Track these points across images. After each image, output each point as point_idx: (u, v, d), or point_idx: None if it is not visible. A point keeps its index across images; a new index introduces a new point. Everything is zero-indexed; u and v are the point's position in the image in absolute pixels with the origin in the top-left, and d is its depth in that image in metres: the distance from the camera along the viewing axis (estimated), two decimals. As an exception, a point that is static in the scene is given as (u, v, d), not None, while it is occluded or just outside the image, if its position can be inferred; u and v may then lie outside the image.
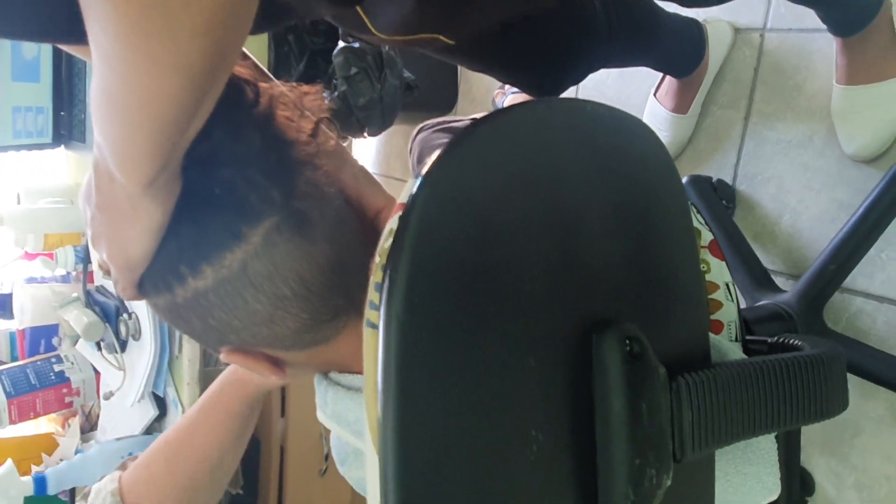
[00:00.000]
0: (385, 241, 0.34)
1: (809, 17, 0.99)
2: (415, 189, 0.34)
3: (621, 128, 0.48)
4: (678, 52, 1.10)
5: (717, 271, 0.62)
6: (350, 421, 0.50)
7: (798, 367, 0.48)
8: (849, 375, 1.04)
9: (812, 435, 1.09)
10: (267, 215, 0.42)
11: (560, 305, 0.40)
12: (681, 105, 1.19)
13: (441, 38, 0.63)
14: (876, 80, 0.97)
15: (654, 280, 0.48)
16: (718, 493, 0.54)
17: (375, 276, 0.33)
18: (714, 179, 1.18)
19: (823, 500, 1.09)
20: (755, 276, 1.06)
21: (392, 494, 0.31)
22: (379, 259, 0.34)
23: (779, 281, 1.10)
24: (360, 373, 0.51)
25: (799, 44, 1.10)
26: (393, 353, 0.31)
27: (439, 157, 0.35)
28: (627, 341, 0.40)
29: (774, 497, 0.57)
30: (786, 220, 1.12)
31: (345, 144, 1.74)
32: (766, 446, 0.56)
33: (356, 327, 0.49)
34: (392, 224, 0.34)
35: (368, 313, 0.33)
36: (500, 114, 0.39)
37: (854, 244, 0.97)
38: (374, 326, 0.32)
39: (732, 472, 0.54)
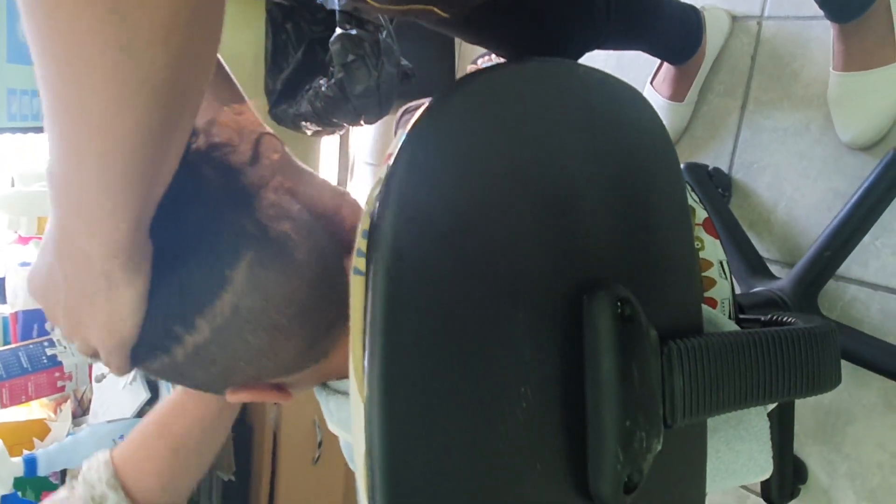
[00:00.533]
0: (374, 190, 0.33)
1: (807, 4, 0.99)
2: (403, 137, 0.33)
3: (615, 93, 0.48)
4: (676, 37, 1.10)
5: (711, 249, 0.62)
6: None
7: (791, 340, 0.48)
8: (843, 363, 1.04)
9: (805, 423, 1.09)
10: (245, 251, 0.41)
11: (550, 264, 0.40)
12: (677, 93, 1.19)
13: (434, 10, 0.63)
14: (873, 66, 0.97)
15: (647, 249, 0.48)
16: (710, 471, 0.53)
17: (363, 223, 0.33)
18: (710, 167, 1.18)
19: (816, 489, 1.09)
20: (750, 263, 1.06)
21: (378, 441, 0.30)
22: (367, 207, 0.33)
23: (774, 269, 1.10)
24: None
25: (796, 31, 1.10)
26: (379, 297, 0.31)
27: (429, 108, 0.35)
28: (619, 303, 0.40)
29: (766, 476, 0.56)
30: (781, 208, 1.12)
31: (341, 133, 1.74)
32: (758, 424, 0.55)
33: (348, 338, 0.49)
34: (381, 172, 0.33)
35: (356, 260, 0.33)
36: (490, 69, 0.39)
37: (849, 231, 0.97)
38: (361, 273, 0.32)
39: (724, 449, 0.54)
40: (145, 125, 0.29)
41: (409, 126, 0.34)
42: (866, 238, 0.99)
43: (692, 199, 0.63)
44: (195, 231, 0.40)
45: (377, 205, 0.32)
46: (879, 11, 0.95)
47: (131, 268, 0.36)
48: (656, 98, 1.22)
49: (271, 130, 0.48)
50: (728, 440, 0.54)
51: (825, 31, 1.05)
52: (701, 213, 0.63)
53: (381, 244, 0.31)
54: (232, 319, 0.41)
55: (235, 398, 0.47)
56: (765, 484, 1.05)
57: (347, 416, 0.50)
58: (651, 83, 1.24)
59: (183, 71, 0.29)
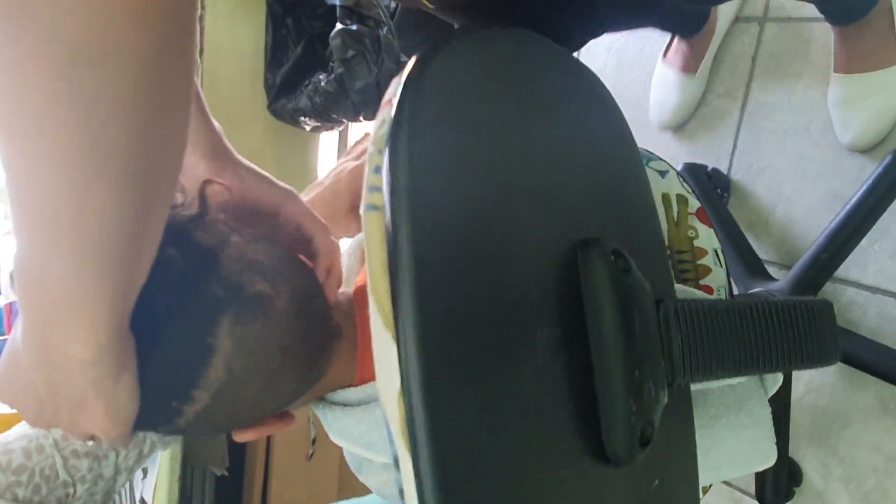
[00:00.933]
0: (378, 130, 0.33)
1: (808, 6, 0.99)
2: (405, 76, 0.34)
3: (577, 65, 0.49)
4: (684, 11, 1.07)
5: (706, 238, 0.62)
6: (356, 436, 0.50)
7: (788, 309, 0.48)
8: (839, 365, 1.04)
9: (801, 425, 1.09)
10: (221, 315, 0.40)
11: (544, 223, 0.40)
12: (690, 64, 1.16)
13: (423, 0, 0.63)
14: (873, 68, 0.96)
15: (622, 222, 0.48)
16: (715, 463, 0.53)
17: (372, 162, 0.33)
18: (709, 168, 1.17)
19: (811, 492, 1.09)
20: (748, 264, 1.05)
21: (415, 363, 0.29)
22: (374, 147, 0.33)
23: (772, 271, 1.09)
24: (351, 385, 0.50)
25: (797, 32, 1.10)
26: (405, 241, 0.30)
27: (423, 57, 0.35)
28: (613, 256, 0.40)
29: (771, 462, 0.56)
30: (780, 209, 1.12)
31: (340, 129, 1.73)
32: (759, 410, 0.55)
33: (339, 350, 0.49)
34: (383, 115, 0.33)
35: (369, 198, 0.32)
36: (479, 30, 0.39)
37: (847, 233, 0.97)
38: (377, 208, 0.31)
39: (728, 437, 0.54)
40: (117, 206, 0.27)
41: (406, 71, 0.34)
42: (864, 241, 0.99)
43: (685, 189, 0.63)
44: (168, 307, 0.39)
45: (388, 145, 0.32)
46: (880, 14, 0.94)
47: (118, 366, 0.35)
48: (668, 72, 1.19)
49: (213, 157, 0.46)
50: (731, 428, 0.54)
51: (826, 33, 1.04)
52: (694, 203, 0.63)
53: (399, 185, 0.31)
54: (227, 382, 0.41)
55: (242, 438, 0.47)
56: (759, 485, 1.05)
57: (345, 427, 0.50)
58: (663, 56, 1.20)
59: (149, 152, 0.26)
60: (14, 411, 1.23)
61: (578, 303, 0.39)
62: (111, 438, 0.40)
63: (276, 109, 1.59)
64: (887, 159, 0.96)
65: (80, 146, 0.24)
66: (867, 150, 1.02)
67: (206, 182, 0.45)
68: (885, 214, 0.97)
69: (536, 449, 0.36)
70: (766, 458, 0.55)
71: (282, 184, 0.50)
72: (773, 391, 0.57)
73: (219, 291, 0.40)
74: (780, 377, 0.57)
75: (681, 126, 1.23)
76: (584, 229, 0.42)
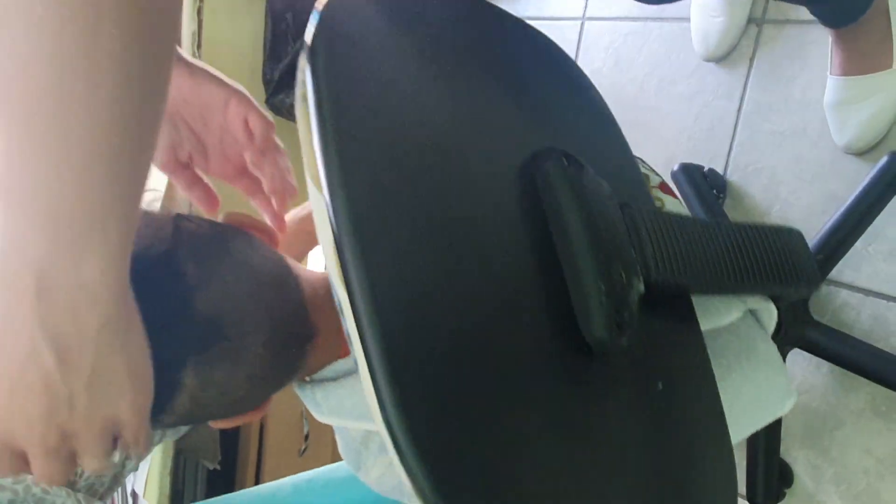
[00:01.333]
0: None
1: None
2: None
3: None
4: None
5: (673, 206, 0.63)
6: (349, 408, 0.49)
7: (757, 230, 0.48)
8: (832, 367, 1.04)
9: (792, 427, 1.09)
10: (189, 359, 0.41)
11: (492, 146, 0.40)
12: None
13: None
14: (869, 70, 0.96)
15: (581, 139, 0.48)
16: (740, 415, 0.53)
17: (300, 69, 0.33)
18: (706, 168, 1.17)
19: (802, 493, 1.09)
20: (743, 265, 1.06)
21: (344, 221, 0.30)
22: (302, 60, 0.34)
23: (766, 272, 1.10)
24: (337, 358, 0.50)
25: (795, 34, 1.10)
26: (326, 100, 0.31)
27: None
28: (564, 159, 0.40)
29: (793, 400, 0.56)
30: (776, 210, 1.12)
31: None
32: (766, 349, 0.56)
33: (317, 342, 0.49)
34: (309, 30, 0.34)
35: (299, 93, 0.33)
36: None
37: (842, 235, 0.97)
38: (305, 99, 0.32)
39: (746, 384, 0.54)
40: (125, 52, 0.27)
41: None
42: (859, 243, 0.99)
43: (645, 169, 0.63)
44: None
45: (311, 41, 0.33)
46: (877, 17, 0.94)
47: (126, 312, 0.34)
48: None
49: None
50: (745, 373, 0.54)
51: (823, 35, 1.05)
52: (655, 178, 0.64)
53: (319, 69, 0.32)
54: (193, 408, 0.42)
55: (218, 426, 0.48)
56: (750, 486, 1.05)
57: (336, 402, 0.50)
58: None
59: (147, 32, 0.28)
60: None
61: (538, 207, 0.39)
62: (141, 421, 0.37)
63: (274, 104, 1.59)
64: (883, 161, 0.96)
65: (74, 34, 0.25)
66: (863, 152, 1.02)
67: (179, 217, 0.45)
68: (880, 217, 0.97)
69: (498, 335, 0.35)
70: (786, 395, 0.55)
71: (232, 82, 0.52)
72: (771, 328, 0.57)
73: (186, 340, 0.41)
74: (774, 313, 0.57)
75: (727, 55, 1.16)
76: (538, 144, 0.43)
